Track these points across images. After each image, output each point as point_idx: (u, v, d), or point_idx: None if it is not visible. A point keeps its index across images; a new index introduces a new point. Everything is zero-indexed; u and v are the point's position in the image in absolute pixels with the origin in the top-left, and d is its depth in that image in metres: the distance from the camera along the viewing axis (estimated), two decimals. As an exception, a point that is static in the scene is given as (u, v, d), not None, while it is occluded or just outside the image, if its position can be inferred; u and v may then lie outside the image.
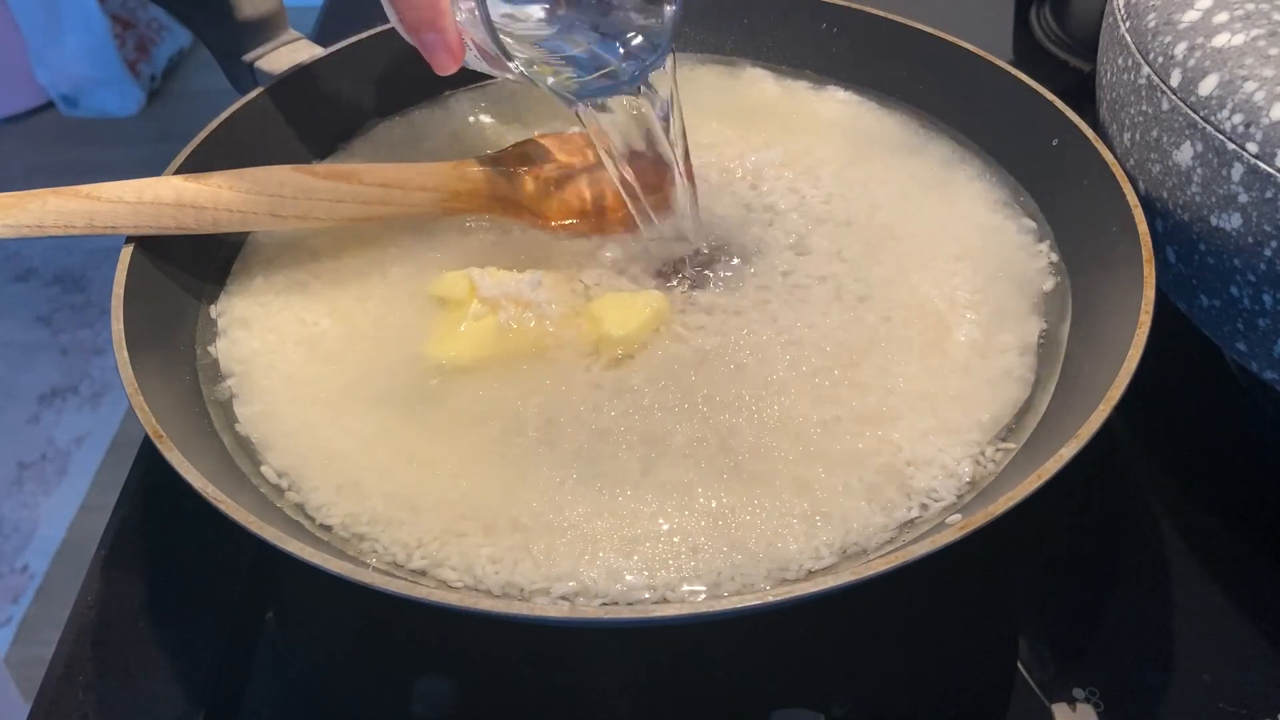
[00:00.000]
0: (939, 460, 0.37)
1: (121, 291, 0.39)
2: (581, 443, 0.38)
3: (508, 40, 0.39)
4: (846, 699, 0.37)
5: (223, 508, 0.31)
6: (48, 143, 1.91)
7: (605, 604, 0.33)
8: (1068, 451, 0.32)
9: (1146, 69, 0.42)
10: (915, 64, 0.53)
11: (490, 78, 0.49)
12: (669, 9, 0.41)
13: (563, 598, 0.33)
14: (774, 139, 0.52)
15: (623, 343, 0.41)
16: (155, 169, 0.43)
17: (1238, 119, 0.37)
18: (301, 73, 0.51)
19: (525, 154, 0.49)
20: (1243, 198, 0.37)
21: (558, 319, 0.43)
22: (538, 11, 0.42)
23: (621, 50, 0.42)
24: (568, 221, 0.48)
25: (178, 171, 0.44)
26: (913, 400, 0.39)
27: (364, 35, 0.53)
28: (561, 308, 0.43)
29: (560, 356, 0.41)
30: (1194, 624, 0.40)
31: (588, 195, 0.48)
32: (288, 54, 0.53)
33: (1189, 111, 0.39)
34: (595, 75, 0.41)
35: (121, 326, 0.37)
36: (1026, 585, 0.42)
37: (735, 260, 0.45)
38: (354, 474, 0.37)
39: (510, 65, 0.39)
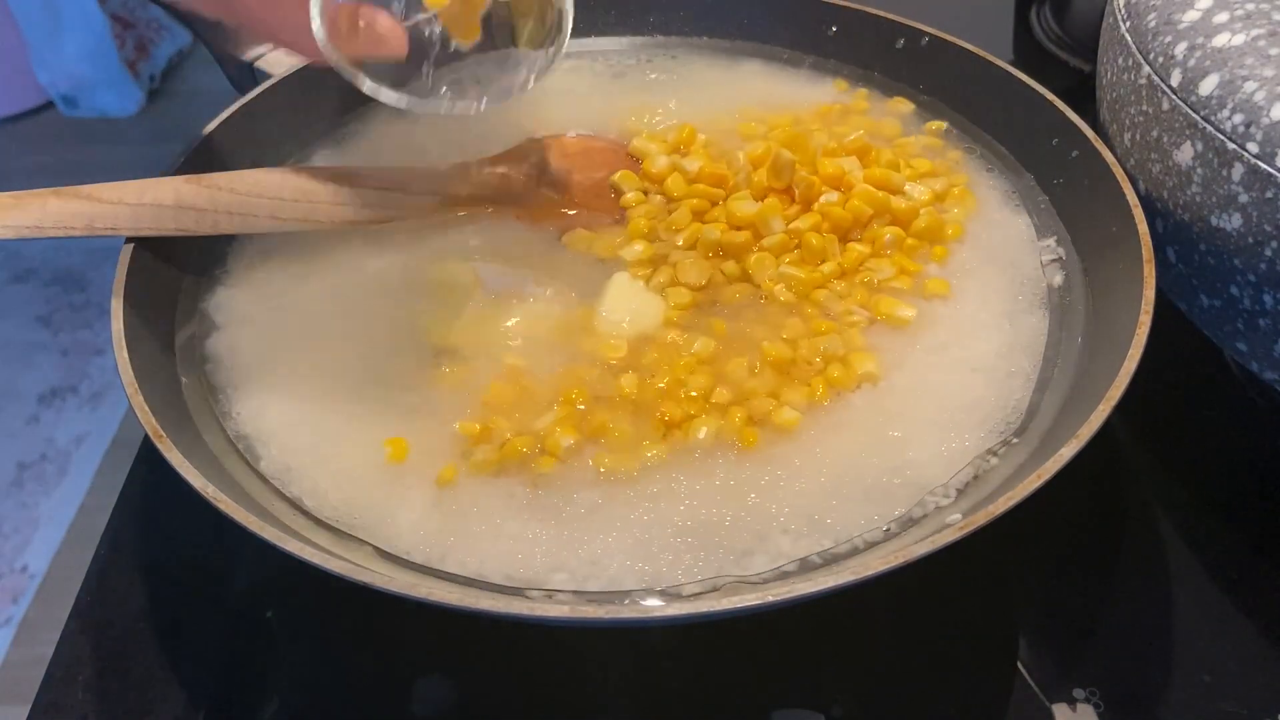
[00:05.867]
0: (940, 459, 0.37)
1: (121, 291, 0.39)
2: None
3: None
4: (846, 699, 0.37)
5: (223, 508, 0.31)
6: (48, 143, 1.90)
7: (605, 602, 0.33)
8: (1068, 451, 0.32)
9: (1147, 69, 0.42)
10: (915, 63, 0.53)
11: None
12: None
13: (560, 591, 0.33)
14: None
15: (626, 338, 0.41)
16: (155, 169, 0.43)
17: (1238, 119, 0.37)
18: (301, 73, 0.51)
19: (525, 155, 0.49)
20: (1243, 198, 0.37)
21: (561, 311, 0.43)
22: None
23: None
24: (569, 213, 0.48)
25: (178, 171, 0.44)
26: (913, 398, 0.39)
27: (364, 35, 0.53)
28: (564, 302, 0.43)
29: (564, 347, 0.41)
30: (1194, 624, 0.40)
31: (588, 195, 0.48)
32: (288, 54, 0.53)
33: (1189, 111, 0.39)
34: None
35: (121, 326, 0.37)
36: (1026, 585, 0.42)
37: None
38: (354, 468, 0.37)
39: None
